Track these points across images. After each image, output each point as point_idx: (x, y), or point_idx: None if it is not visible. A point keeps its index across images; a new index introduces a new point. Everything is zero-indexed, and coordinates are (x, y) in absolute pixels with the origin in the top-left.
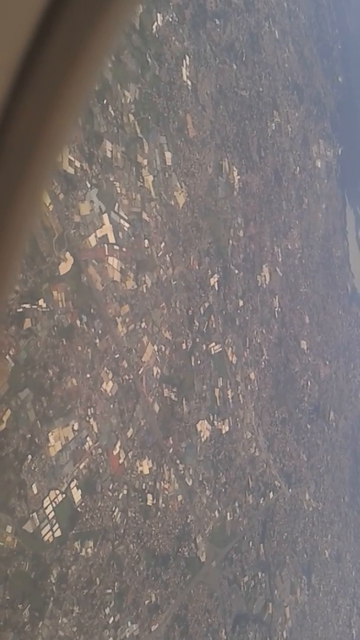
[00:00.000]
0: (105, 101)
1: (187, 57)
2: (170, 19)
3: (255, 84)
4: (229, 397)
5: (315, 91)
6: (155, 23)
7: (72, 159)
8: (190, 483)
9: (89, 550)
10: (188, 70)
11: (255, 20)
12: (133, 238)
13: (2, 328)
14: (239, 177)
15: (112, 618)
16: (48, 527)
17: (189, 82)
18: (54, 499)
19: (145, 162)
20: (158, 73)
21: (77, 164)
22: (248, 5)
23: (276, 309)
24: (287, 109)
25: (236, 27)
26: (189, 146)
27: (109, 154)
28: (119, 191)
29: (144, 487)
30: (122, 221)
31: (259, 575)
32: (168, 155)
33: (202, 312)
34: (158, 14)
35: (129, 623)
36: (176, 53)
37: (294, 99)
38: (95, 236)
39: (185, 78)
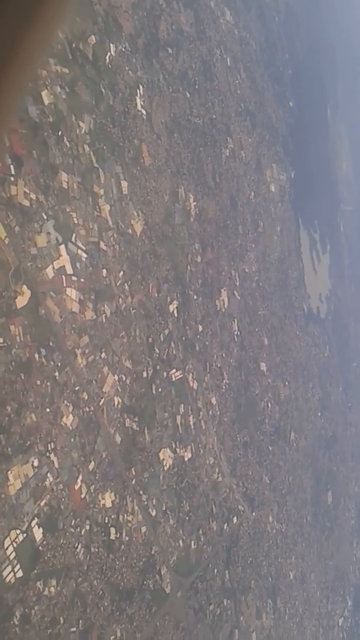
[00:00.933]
0: (60, 132)
1: (141, 87)
2: (123, 49)
3: (208, 112)
4: (191, 423)
5: (267, 116)
6: (109, 53)
7: (28, 191)
8: (153, 513)
9: (52, 589)
10: (142, 99)
11: (207, 48)
12: (91, 268)
13: None
14: (195, 203)
15: None
16: (9, 568)
17: (144, 112)
18: (15, 539)
19: (101, 191)
20: (112, 103)
21: (33, 195)
22: (199, 33)
23: (235, 333)
24: (240, 135)
25: (188, 56)
26: (145, 174)
27: (65, 185)
28: (75, 222)
29: (106, 520)
30: (79, 251)
31: (225, 602)
32: (124, 184)
33: (162, 339)
34: (111, 45)
35: None
36: (130, 83)
37: (246, 125)
38: (53, 268)
39: (139, 107)
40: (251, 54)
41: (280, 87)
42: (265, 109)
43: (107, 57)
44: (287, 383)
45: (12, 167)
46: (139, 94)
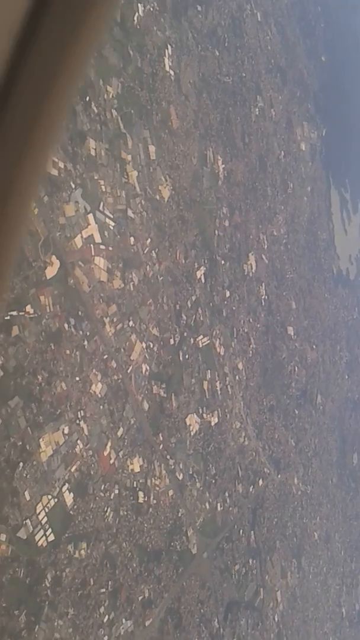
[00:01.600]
0: (87, 98)
1: (169, 47)
2: (152, 9)
3: (238, 70)
4: (218, 388)
5: (299, 72)
6: (137, 14)
7: (56, 160)
8: (180, 477)
9: (82, 552)
10: (170, 60)
11: (237, 4)
12: (119, 236)
13: None
14: (223, 165)
15: (106, 617)
16: (41, 533)
17: (172, 72)
18: (47, 504)
19: (129, 157)
20: (140, 65)
21: (61, 164)
22: None
23: (263, 297)
24: (270, 93)
25: (218, 12)
26: (173, 138)
27: (92, 152)
28: (103, 189)
29: (135, 485)
30: (107, 220)
31: (250, 562)
32: (152, 149)
33: (189, 305)
34: (139, 4)
35: (124, 620)
36: (158, 43)
37: (277, 82)
38: (81, 237)
39: (167, 68)
40: (282, 8)
41: (312, 41)
42: (296, 64)
43: (135, 18)
44: (314, 347)
45: None
46: (167, 55)
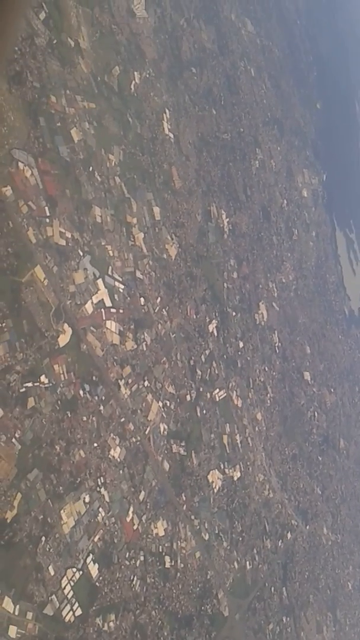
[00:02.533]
0: (91, 168)
1: (167, 110)
2: (148, 75)
3: (235, 126)
4: (238, 441)
5: (295, 122)
6: (133, 82)
7: (63, 230)
8: (207, 537)
9: (111, 624)
10: (169, 123)
11: (231, 62)
12: (129, 298)
13: (6, 411)
14: (227, 219)
15: None
16: (68, 607)
17: (171, 135)
18: (72, 577)
19: (134, 220)
20: (140, 131)
21: (68, 234)
22: (222, 48)
23: (276, 344)
24: (269, 145)
25: (212, 72)
26: (177, 197)
27: (98, 219)
28: (111, 254)
29: (160, 549)
30: (116, 283)
31: (284, 620)
32: (156, 210)
33: (203, 360)
34: (135, 73)
35: None
36: (156, 108)
37: (274, 134)
38: (92, 303)
39: (167, 131)
40: (275, 61)
41: (306, 90)
42: (292, 114)
43: (132, 86)
44: (332, 390)
45: (46, 208)
46: (165, 118)
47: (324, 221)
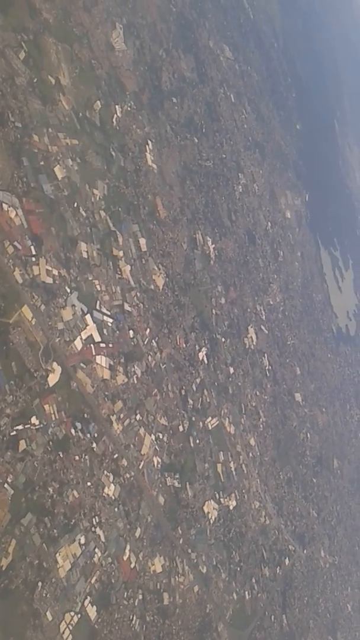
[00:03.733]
0: (75, 204)
1: (150, 142)
2: (129, 108)
3: (217, 152)
4: (232, 469)
5: (276, 144)
6: (115, 115)
7: (50, 268)
8: (204, 570)
9: None
10: (152, 154)
11: (210, 89)
12: (118, 332)
13: None
14: (213, 245)
15: None
16: None
17: (154, 166)
18: (70, 621)
19: (121, 253)
20: (123, 164)
21: (55, 272)
22: (201, 76)
23: (267, 368)
24: (251, 169)
25: (193, 101)
26: (162, 227)
27: (85, 255)
28: (99, 288)
29: (158, 586)
30: (105, 317)
31: None
32: (142, 241)
33: (194, 389)
34: (116, 106)
35: None
36: (138, 140)
37: (256, 157)
38: (81, 339)
39: (150, 162)
40: (254, 85)
41: (285, 112)
42: (273, 137)
43: (114, 120)
44: (324, 409)
45: (32, 247)
46: (148, 150)
47: (308, 241)
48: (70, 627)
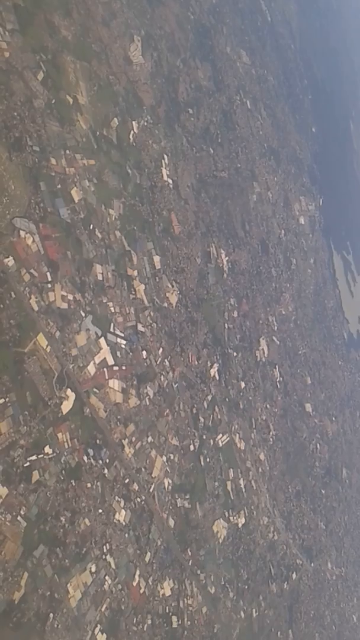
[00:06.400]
0: (91, 226)
1: (166, 156)
2: (146, 123)
3: (233, 162)
4: (242, 486)
5: (291, 149)
6: (132, 131)
7: (65, 293)
8: (212, 591)
9: None
10: (167, 169)
11: (227, 97)
12: (131, 353)
13: (11, 489)
14: (227, 258)
15: None
16: None
17: (170, 181)
18: None
19: (135, 273)
20: (139, 181)
21: (70, 296)
22: (218, 84)
23: (277, 380)
24: (265, 177)
25: (209, 110)
26: (176, 243)
27: (100, 277)
28: (113, 310)
29: (167, 610)
30: (118, 340)
31: None
32: (157, 259)
33: (205, 406)
34: (133, 122)
35: None
36: (155, 155)
37: (271, 165)
38: (94, 363)
39: (165, 177)
40: (270, 90)
41: (301, 115)
42: (288, 142)
43: (130, 136)
44: (334, 419)
45: (48, 274)
46: (164, 164)
47: (322, 246)
48: None
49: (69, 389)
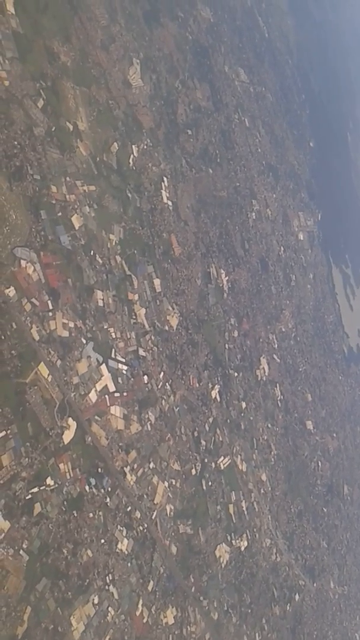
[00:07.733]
0: (92, 252)
1: (165, 178)
2: (145, 146)
3: (232, 181)
4: (244, 508)
5: (289, 165)
6: (132, 155)
7: (66, 321)
8: (215, 617)
9: None
10: (167, 191)
11: (225, 116)
12: (132, 379)
13: (13, 523)
14: (227, 277)
15: None
16: None
17: (170, 203)
18: None
19: (136, 297)
20: (139, 204)
21: (71, 324)
22: (217, 103)
23: (278, 398)
24: (264, 194)
25: (208, 131)
26: (176, 265)
27: (100, 303)
28: (114, 336)
29: (171, 638)
30: (120, 365)
31: None
32: (157, 282)
33: (207, 429)
34: (133, 146)
35: None
36: (154, 178)
37: (270, 181)
38: (96, 391)
39: (165, 200)
40: (268, 107)
41: (299, 130)
42: (286, 158)
43: (130, 160)
44: (334, 435)
45: (49, 302)
46: (164, 187)
47: (321, 261)
48: None
49: (70, 418)
